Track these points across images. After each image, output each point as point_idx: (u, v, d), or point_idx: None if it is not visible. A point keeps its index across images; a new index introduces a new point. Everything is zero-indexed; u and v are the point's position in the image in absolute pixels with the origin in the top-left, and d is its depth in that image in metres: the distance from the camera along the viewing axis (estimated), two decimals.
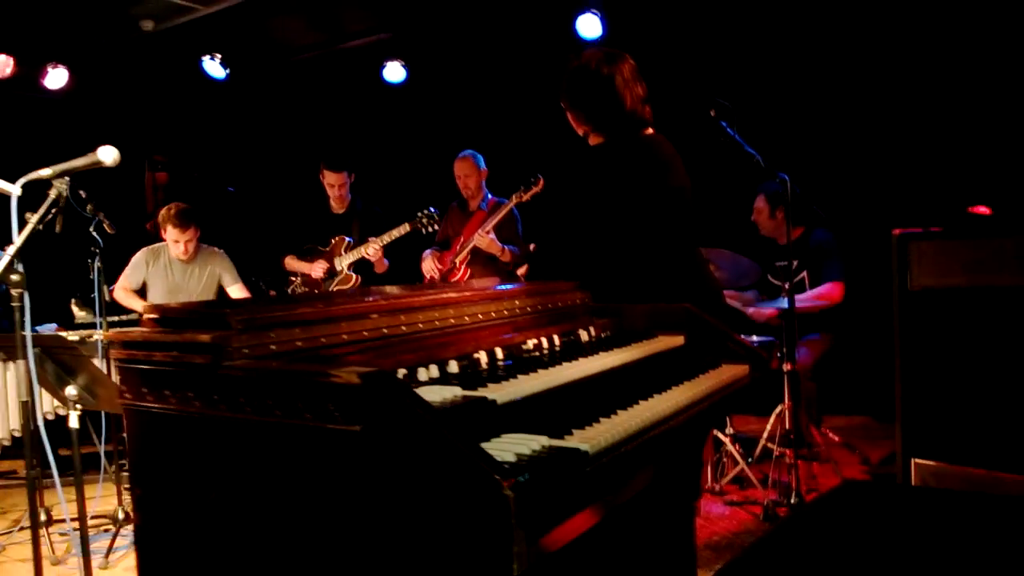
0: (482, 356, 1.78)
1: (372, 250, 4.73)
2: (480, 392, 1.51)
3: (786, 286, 3.73)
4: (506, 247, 4.58)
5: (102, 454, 3.86)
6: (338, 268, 4.85)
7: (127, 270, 4.67)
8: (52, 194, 2.18)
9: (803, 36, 5.01)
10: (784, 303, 3.68)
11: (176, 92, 6.76)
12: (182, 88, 6.65)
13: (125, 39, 6.11)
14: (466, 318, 1.92)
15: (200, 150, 6.42)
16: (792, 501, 3.50)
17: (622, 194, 2.32)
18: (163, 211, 4.52)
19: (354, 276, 4.85)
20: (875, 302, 4.44)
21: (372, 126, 6.92)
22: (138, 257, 4.67)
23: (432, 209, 4.70)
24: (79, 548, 3.38)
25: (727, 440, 3.90)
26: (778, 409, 3.80)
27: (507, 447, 1.32)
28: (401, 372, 1.56)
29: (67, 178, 2.21)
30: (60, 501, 2.34)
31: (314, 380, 1.24)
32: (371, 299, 1.75)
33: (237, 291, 4.78)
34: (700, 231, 2.60)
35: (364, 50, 6.42)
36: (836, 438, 4.24)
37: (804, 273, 4.28)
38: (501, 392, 1.53)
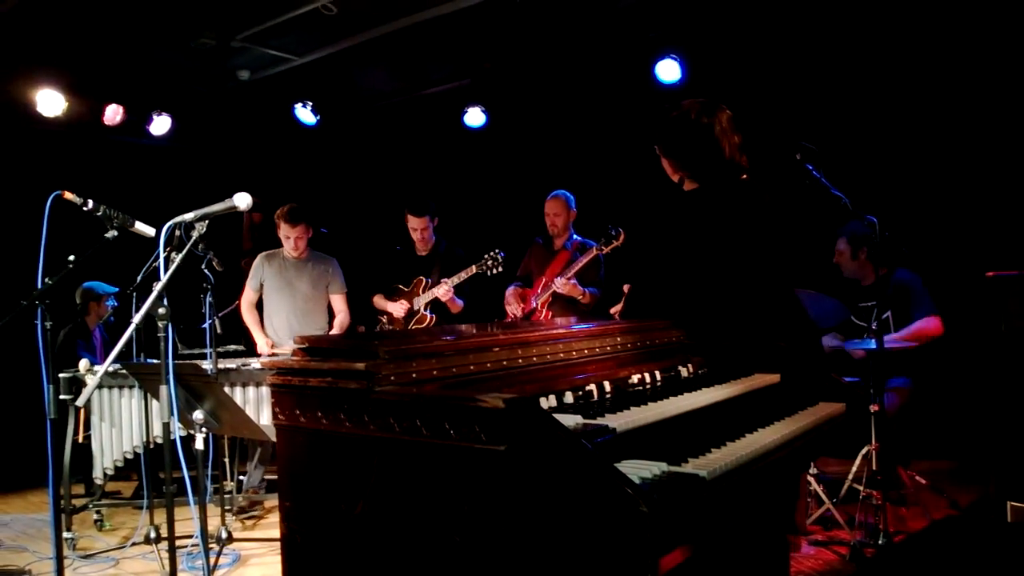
0: (593, 388, 1.90)
1: (442, 291, 4.85)
2: (599, 421, 1.63)
3: (873, 326, 3.73)
4: (587, 290, 4.68)
5: (209, 477, 4.08)
6: (415, 308, 5.02)
7: (249, 277, 5.01)
8: (194, 235, 2.42)
9: (878, 77, 5.04)
10: (871, 344, 3.68)
11: (270, 137, 7.18)
12: (276, 133, 7.06)
13: (223, 88, 6.57)
14: (574, 353, 2.04)
15: (293, 192, 6.77)
16: (880, 542, 3.46)
17: (721, 237, 2.41)
18: (278, 211, 4.89)
19: (429, 316, 5.00)
20: (959, 345, 4.39)
21: (454, 169, 7.17)
22: (256, 261, 5.03)
23: (499, 251, 4.80)
24: (187, 563, 3.61)
25: (812, 480, 3.89)
26: (864, 450, 3.78)
27: (631, 471, 1.43)
28: None
29: (206, 221, 2.45)
30: (192, 516, 2.52)
31: (463, 404, 1.38)
32: (492, 335, 1.90)
33: (339, 301, 5.08)
34: (793, 272, 2.67)
35: (445, 96, 6.70)
36: (923, 481, 4.17)
37: (888, 313, 4.26)
38: (618, 421, 1.65)
